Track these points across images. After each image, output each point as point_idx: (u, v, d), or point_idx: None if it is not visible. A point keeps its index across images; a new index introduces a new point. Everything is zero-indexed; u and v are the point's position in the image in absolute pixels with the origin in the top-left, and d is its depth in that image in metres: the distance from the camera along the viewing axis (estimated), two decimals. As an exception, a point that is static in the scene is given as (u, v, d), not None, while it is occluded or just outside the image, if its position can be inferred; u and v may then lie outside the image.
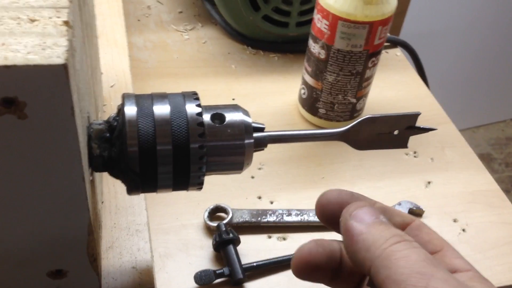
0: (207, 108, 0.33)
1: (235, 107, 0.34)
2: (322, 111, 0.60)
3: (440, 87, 1.66)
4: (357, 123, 0.35)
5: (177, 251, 0.48)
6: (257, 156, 0.58)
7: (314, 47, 0.57)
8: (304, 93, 0.61)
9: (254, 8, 0.67)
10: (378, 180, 0.57)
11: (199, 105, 0.32)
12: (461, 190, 0.57)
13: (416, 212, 0.54)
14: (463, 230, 0.53)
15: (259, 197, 0.54)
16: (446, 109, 0.67)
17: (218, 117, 0.33)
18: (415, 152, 0.60)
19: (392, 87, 0.69)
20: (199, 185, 0.33)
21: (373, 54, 0.55)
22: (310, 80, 0.59)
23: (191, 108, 0.32)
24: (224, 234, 0.47)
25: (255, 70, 0.69)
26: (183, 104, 0.32)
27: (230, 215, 0.50)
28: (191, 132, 0.31)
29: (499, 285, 0.49)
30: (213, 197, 0.53)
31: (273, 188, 0.55)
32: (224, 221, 0.50)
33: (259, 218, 0.51)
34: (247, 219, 0.51)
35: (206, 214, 0.50)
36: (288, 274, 0.48)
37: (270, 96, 0.66)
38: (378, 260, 0.24)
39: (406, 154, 0.60)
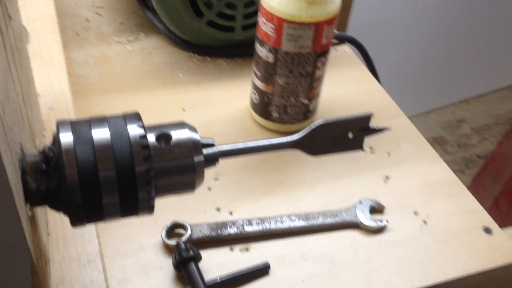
0: (151, 128, 0.31)
1: (181, 125, 0.32)
2: (275, 114, 0.59)
3: (389, 77, 1.68)
4: (310, 130, 0.34)
5: (136, 275, 0.46)
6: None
7: (262, 51, 0.55)
8: (255, 98, 0.59)
9: (197, 15, 0.65)
10: (338, 181, 0.56)
11: (142, 126, 0.30)
12: (419, 182, 0.57)
13: (378, 208, 0.53)
14: (425, 222, 0.53)
15: (218, 209, 0.52)
16: (397, 97, 0.67)
17: (163, 137, 0.31)
18: (371, 148, 0.60)
19: (343, 85, 0.68)
20: (149, 209, 0.31)
21: (321, 54, 0.54)
22: (260, 84, 0.58)
23: (134, 130, 0.30)
24: (184, 252, 0.45)
25: (204, 78, 0.67)
26: (125, 127, 0.30)
27: (189, 231, 0.49)
28: (135, 155, 0.29)
29: (465, 273, 0.49)
30: (170, 214, 0.51)
31: (231, 198, 0.53)
32: (183, 238, 0.48)
33: (219, 231, 0.49)
34: (207, 234, 0.49)
35: (164, 232, 0.48)
36: (253, 286, 0.46)
37: (221, 103, 0.64)
38: None
39: (363, 151, 0.60)
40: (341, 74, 0.70)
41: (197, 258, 0.46)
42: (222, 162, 0.57)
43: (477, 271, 0.49)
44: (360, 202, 0.53)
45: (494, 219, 0.54)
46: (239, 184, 0.55)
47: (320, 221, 0.51)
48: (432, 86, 1.87)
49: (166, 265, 0.47)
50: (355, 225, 0.52)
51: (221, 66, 0.69)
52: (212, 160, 0.32)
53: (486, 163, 1.75)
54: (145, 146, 0.29)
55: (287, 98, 0.57)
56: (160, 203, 0.52)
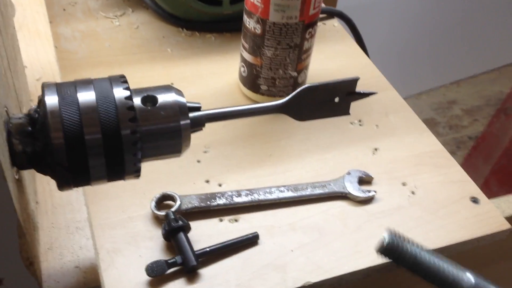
0: (137, 91, 0.31)
1: (167, 88, 0.32)
2: (264, 87, 0.59)
3: (379, 57, 1.68)
4: (297, 93, 0.34)
5: (126, 245, 0.46)
6: (202, 139, 0.57)
7: (249, 23, 0.55)
8: (244, 71, 0.59)
9: (185, -12, 0.65)
10: (326, 152, 0.56)
11: (127, 88, 0.30)
12: (407, 154, 0.57)
13: (366, 179, 0.54)
14: (413, 192, 0.53)
15: (207, 181, 0.52)
16: (387, 79, 0.67)
17: (149, 100, 0.31)
18: (360, 121, 0.60)
19: (332, 58, 0.68)
20: (135, 172, 0.31)
21: (309, 24, 0.54)
22: (248, 57, 0.57)
23: (119, 92, 0.30)
24: (173, 222, 0.46)
25: (192, 52, 0.67)
26: (110, 89, 0.30)
27: (178, 202, 0.49)
28: (120, 117, 0.29)
29: (454, 242, 0.50)
30: (159, 186, 0.51)
31: (220, 170, 0.53)
32: (173, 209, 0.48)
33: (208, 202, 0.49)
34: (196, 205, 0.49)
35: (153, 203, 0.49)
36: (242, 256, 0.46)
37: (209, 77, 0.64)
38: None
39: (351, 123, 0.60)
40: (330, 48, 0.70)
41: (186, 228, 0.46)
42: (212, 134, 0.57)
43: (464, 239, 0.50)
44: (349, 173, 0.53)
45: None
46: (229, 157, 0.55)
47: (308, 192, 0.52)
48: (423, 67, 1.87)
49: (156, 235, 0.47)
50: (343, 196, 0.52)
51: (210, 40, 0.69)
52: (198, 123, 0.32)
53: (476, 144, 1.76)
54: (131, 107, 0.29)
55: (275, 71, 0.57)
56: (149, 175, 0.52)
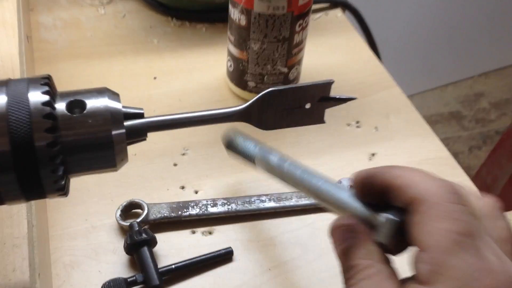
0: (63, 95, 0.27)
1: (100, 91, 0.27)
2: (251, 84, 0.53)
3: (401, 47, 1.61)
4: (258, 98, 0.29)
5: (85, 259, 0.42)
6: (180, 139, 0.52)
7: (234, 13, 0.50)
8: (230, 66, 0.54)
9: (172, -26, 0.60)
10: (317, 157, 0.51)
11: (47, 92, 0.25)
12: (408, 160, 0.51)
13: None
14: (411, 205, 0.48)
15: (182, 187, 0.48)
16: (410, 70, 0.61)
17: (76, 105, 0.26)
18: (357, 122, 0.55)
19: (331, 52, 0.62)
20: (59, 191, 0.26)
21: (299, 16, 0.49)
22: (234, 50, 0.52)
23: (36, 97, 0.25)
24: (136, 235, 0.41)
25: (180, 44, 0.62)
26: (25, 92, 0.25)
27: (146, 211, 0.44)
28: (35, 127, 0.24)
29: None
30: (129, 191, 0.47)
31: (198, 175, 0.49)
32: (139, 219, 0.44)
33: (179, 212, 0.45)
34: (166, 214, 0.45)
35: (119, 212, 0.44)
36: (213, 274, 0.42)
37: (196, 71, 0.59)
38: None
39: (348, 125, 0.54)
40: (330, 41, 0.64)
41: (151, 242, 0.42)
42: (191, 135, 0.52)
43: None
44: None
45: (507, 199, 0.48)
46: (208, 160, 0.50)
47: (293, 202, 0.46)
48: (449, 58, 1.78)
49: (119, 248, 0.43)
50: (332, 207, 0.47)
51: (200, 31, 0.64)
52: (137, 133, 0.28)
53: (501, 139, 1.67)
54: (49, 115, 0.25)
55: (263, 66, 0.52)
56: (120, 178, 0.48)
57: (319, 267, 0.43)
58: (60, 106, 0.26)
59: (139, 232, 0.41)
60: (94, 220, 0.44)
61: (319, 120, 0.31)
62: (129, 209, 0.45)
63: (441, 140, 0.54)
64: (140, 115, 0.28)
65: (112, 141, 0.26)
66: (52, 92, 0.26)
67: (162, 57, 0.60)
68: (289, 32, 0.49)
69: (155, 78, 0.57)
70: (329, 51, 0.62)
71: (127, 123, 0.27)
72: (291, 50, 0.51)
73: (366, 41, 0.68)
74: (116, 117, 0.26)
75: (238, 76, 0.54)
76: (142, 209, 0.45)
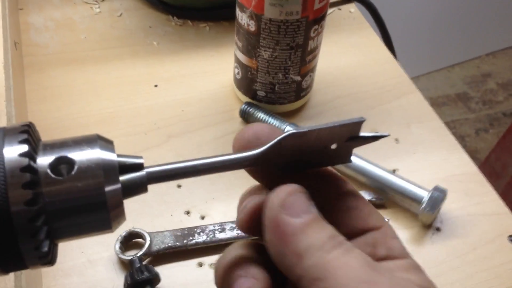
0: (46, 148, 0.22)
1: (90, 142, 0.23)
2: (261, 93, 0.49)
3: (407, 26, 1.55)
4: (277, 142, 0.25)
5: (82, 298, 0.38)
6: (185, 157, 0.48)
7: (242, 18, 0.45)
8: (238, 73, 0.50)
9: (172, -30, 0.55)
10: (333, 174, 0.47)
11: (25, 141, 0.21)
12: (432, 176, 0.47)
13: (378, 203, 0.45)
14: (437, 229, 0.44)
15: (187, 212, 0.44)
16: (417, 50, 0.57)
17: (62, 163, 0.22)
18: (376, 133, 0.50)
19: (346, 53, 0.58)
20: (41, 259, 0.22)
21: (315, 21, 0.44)
22: (242, 57, 0.48)
23: (13, 152, 0.21)
24: (137, 273, 0.37)
25: (182, 46, 0.57)
26: (0, 147, 0.21)
27: (148, 242, 0.40)
28: (12, 200, 0.20)
29: (484, 293, 0.40)
30: (128, 218, 0.42)
31: (205, 198, 0.45)
32: (140, 252, 0.40)
33: (185, 241, 0.41)
34: (170, 244, 0.41)
35: (118, 244, 0.40)
36: (223, 314, 0.38)
37: (200, 77, 0.54)
38: (312, 270, 0.20)
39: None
40: (344, 39, 0.59)
41: (154, 281, 0.38)
42: (197, 153, 0.48)
43: (500, 291, 0.40)
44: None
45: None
46: (215, 180, 0.46)
47: (309, 228, 0.42)
48: (456, 38, 1.72)
49: (120, 286, 0.39)
50: (352, 232, 0.43)
51: (204, 31, 0.59)
52: (136, 188, 0.23)
53: (512, 125, 1.63)
54: (27, 168, 0.20)
55: (274, 75, 0.47)
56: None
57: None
58: (43, 161, 0.22)
59: (140, 270, 0.37)
60: (91, 253, 0.41)
61: (345, 159, 0.27)
62: (129, 239, 0.41)
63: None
64: (139, 166, 0.24)
65: (105, 202, 0.22)
66: (32, 141, 0.22)
67: (162, 61, 0.55)
68: (303, 39, 0.45)
69: (156, 86, 0.53)
70: (343, 51, 0.58)
71: (123, 177, 0.23)
72: (304, 58, 0.46)
73: (381, 37, 0.63)
74: (110, 173, 0.22)
75: (247, 84, 0.49)
76: (144, 239, 0.41)
